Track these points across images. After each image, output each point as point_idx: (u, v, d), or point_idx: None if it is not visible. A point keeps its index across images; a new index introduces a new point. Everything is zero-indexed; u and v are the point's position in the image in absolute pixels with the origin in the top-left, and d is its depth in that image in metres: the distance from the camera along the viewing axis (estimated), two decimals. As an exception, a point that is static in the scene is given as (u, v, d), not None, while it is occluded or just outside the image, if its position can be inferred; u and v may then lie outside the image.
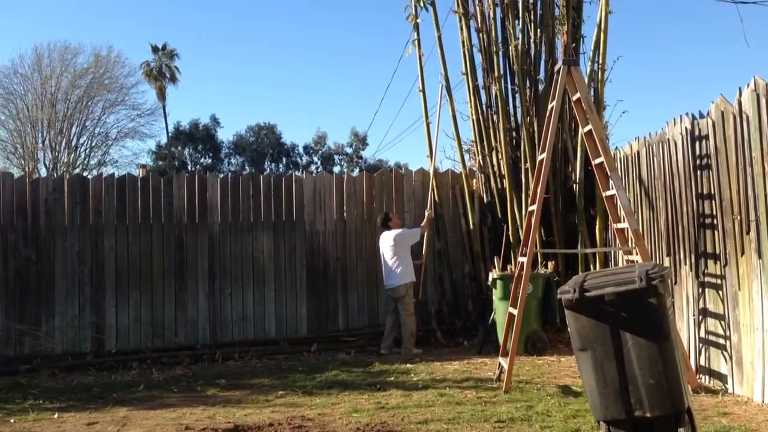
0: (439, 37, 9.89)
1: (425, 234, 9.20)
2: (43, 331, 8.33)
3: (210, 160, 47.56)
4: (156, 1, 68.42)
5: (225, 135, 51.94)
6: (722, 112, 5.91)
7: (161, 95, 46.47)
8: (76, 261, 8.57)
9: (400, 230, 8.91)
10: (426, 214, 9.27)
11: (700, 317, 6.39)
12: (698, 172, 6.33)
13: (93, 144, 41.02)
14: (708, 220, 6.19)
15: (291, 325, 9.25)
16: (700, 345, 6.41)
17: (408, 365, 7.84)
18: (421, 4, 9.84)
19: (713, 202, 6.08)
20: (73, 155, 39.34)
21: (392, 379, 7.16)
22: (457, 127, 9.99)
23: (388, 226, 9.01)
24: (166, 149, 45.66)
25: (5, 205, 8.39)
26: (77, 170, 36.40)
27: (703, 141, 6.23)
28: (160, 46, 47.84)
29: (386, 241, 8.93)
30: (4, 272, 8.29)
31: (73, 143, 39.84)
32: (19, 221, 8.42)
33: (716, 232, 6.06)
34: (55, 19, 62.79)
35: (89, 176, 9.14)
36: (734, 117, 5.72)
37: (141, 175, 9.77)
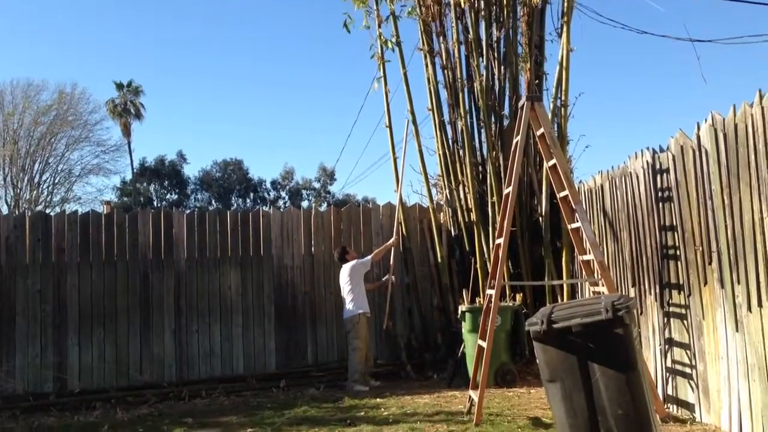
0: (405, 74, 10.04)
1: (392, 253, 9.22)
2: (4, 371, 8.11)
3: (176, 196, 47.24)
4: (121, 38, 68.28)
5: (191, 170, 51.62)
6: (681, 147, 6.07)
7: (126, 131, 46.12)
8: (37, 300, 8.40)
9: (353, 262, 8.93)
10: (390, 241, 9.30)
11: (667, 347, 6.48)
12: (660, 204, 6.47)
13: (56, 181, 40.56)
14: (671, 251, 6.32)
15: (259, 360, 9.14)
16: (667, 374, 6.48)
17: (378, 399, 7.79)
18: (388, 45, 9.99)
19: (675, 233, 6.21)
20: (35, 192, 38.77)
21: (362, 414, 7.09)
22: (424, 161, 10.10)
23: (345, 259, 9.03)
24: (131, 185, 45.24)
25: (-35, 242, 8.21)
26: (39, 207, 35.85)
27: (664, 174, 6.39)
28: (125, 83, 47.61)
29: (342, 275, 8.97)
30: (-37, 312, 8.08)
31: (36, 180, 39.33)
32: (-21, 259, 8.24)
33: (679, 263, 6.18)
34: (19, 56, 62.30)
35: (52, 213, 8.98)
36: (693, 151, 5.88)
37: (105, 212, 9.67)
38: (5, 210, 35.39)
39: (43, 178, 39.91)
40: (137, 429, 6.87)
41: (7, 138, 38.10)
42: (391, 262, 9.32)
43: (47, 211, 30.18)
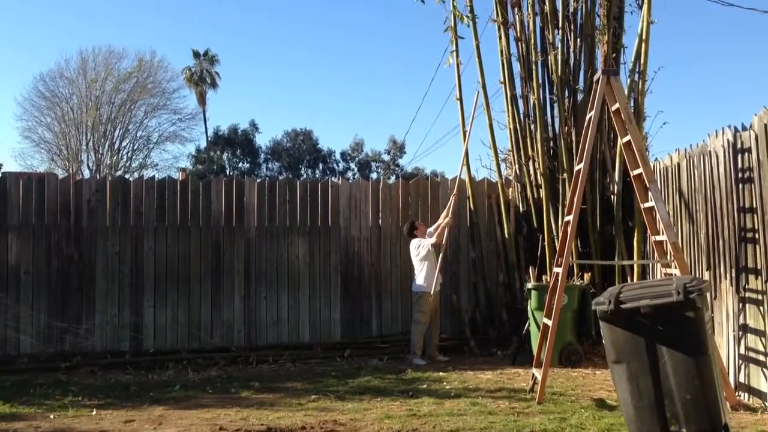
0: (477, 46, 9.89)
1: (444, 234, 8.92)
2: (84, 329, 8.50)
3: (248, 165, 48.16)
4: (199, 5, 69.53)
5: (263, 140, 52.46)
6: (765, 125, 5.81)
7: (202, 100, 47.26)
8: (116, 261, 8.74)
9: (421, 240, 8.92)
10: (443, 221, 9.02)
11: (741, 333, 6.28)
12: (740, 185, 6.23)
13: (135, 147, 41.97)
14: (750, 235, 6.08)
15: (325, 330, 9.31)
16: (740, 361, 6.29)
17: (441, 373, 7.83)
18: (463, 20, 9.84)
19: (755, 216, 5.97)
20: (115, 158, 40.21)
21: (425, 386, 7.15)
22: (494, 136, 9.97)
23: (414, 234, 9.04)
24: (206, 153, 46.33)
25: (50, 205, 8.59)
26: (119, 172, 37.15)
27: (746, 154, 6.13)
28: (201, 52, 48.64)
29: (412, 249, 9.01)
30: (47, 271, 8.49)
31: (116, 146, 40.76)
32: (62, 221, 8.61)
33: (758, 247, 5.94)
34: (100, 23, 64.21)
35: (131, 178, 9.29)
36: (778, 130, 5.62)
37: (180, 179, 9.94)
38: (87, 174, 36.82)
39: (123, 144, 41.39)
40: (207, 390, 7.12)
41: (89, 104, 39.53)
42: (450, 209, 9.13)
43: (126, 176, 31.28)
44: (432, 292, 8.72)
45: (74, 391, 6.98)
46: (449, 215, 9.08)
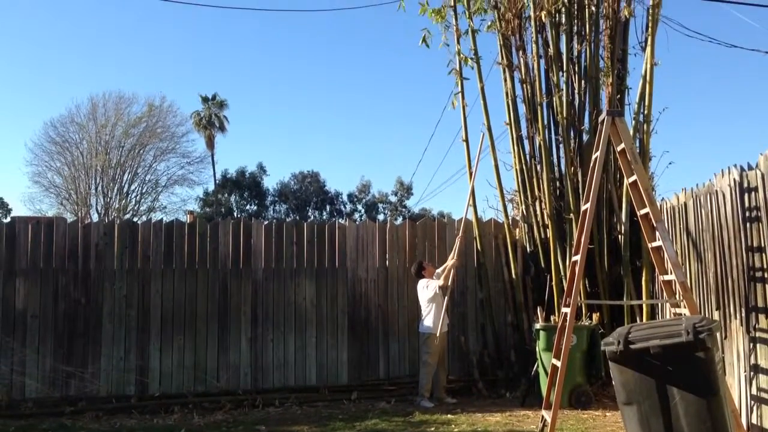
0: (482, 89, 9.98)
1: (451, 275, 8.96)
2: (89, 373, 8.46)
3: (255, 207, 48.35)
4: (208, 50, 70.68)
5: (270, 182, 52.71)
6: (771, 164, 5.82)
7: (210, 144, 47.73)
8: (123, 304, 8.74)
9: (429, 281, 8.89)
10: (450, 263, 9.07)
11: (752, 373, 6.19)
12: (748, 225, 6.21)
13: (144, 190, 42.27)
14: (759, 274, 6.04)
15: (332, 372, 9.23)
16: (752, 402, 6.19)
17: (449, 416, 7.74)
18: (467, 62, 9.95)
19: (764, 255, 5.95)
20: (124, 201, 40.49)
21: (432, 429, 7.07)
22: (500, 176, 9.99)
23: (422, 275, 9.01)
24: (213, 196, 46.61)
25: (58, 248, 8.64)
26: (128, 216, 37.36)
27: (752, 193, 6.13)
28: (210, 96, 49.29)
29: (419, 289, 8.99)
30: (53, 314, 8.49)
31: (125, 189, 41.08)
32: (70, 264, 8.65)
33: (767, 286, 5.90)
34: (111, 69, 65.29)
35: (139, 222, 9.34)
36: (784, 168, 5.63)
37: (188, 221, 9.98)
38: (96, 218, 37.02)
39: (132, 187, 41.69)
40: (212, 434, 7.05)
41: (99, 149, 39.96)
42: (456, 247, 9.20)
43: (134, 219, 31.42)
44: (438, 334, 8.66)
45: (79, 435, 6.92)
46: (455, 257, 9.07)
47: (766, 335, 5.94)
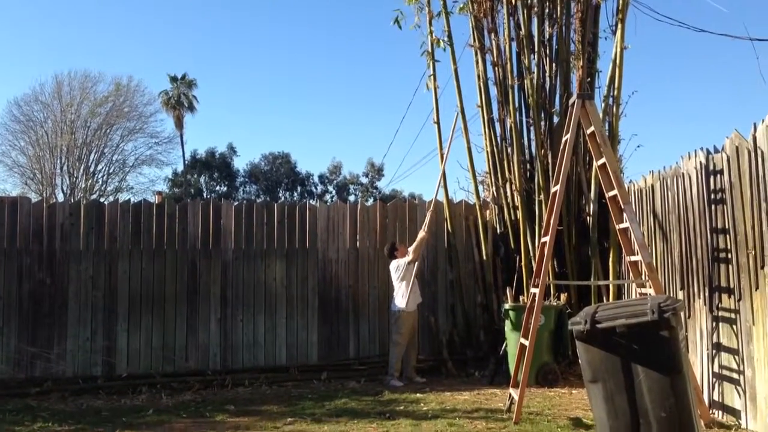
0: (455, 70, 9.98)
1: (421, 249, 9.03)
2: (55, 354, 8.36)
3: (225, 188, 47.91)
4: (176, 30, 69.60)
5: (240, 163, 52.23)
6: (737, 147, 5.92)
7: (179, 124, 47.04)
8: (89, 285, 8.62)
9: (400, 260, 8.93)
10: (420, 235, 9.10)
11: (714, 351, 6.33)
12: (713, 207, 6.32)
13: (110, 171, 41.63)
14: (722, 255, 6.16)
15: (302, 352, 9.23)
16: (714, 379, 6.33)
17: (418, 395, 7.79)
18: (440, 44, 9.94)
19: (728, 236, 6.06)
20: (90, 181, 39.84)
21: (402, 408, 7.11)
22: (472, 158, 10.04)
23: (395, 255, 9.04)
24: (182, 177, 46.08)
25: (22, 229, 8.48)
26: (94, 196, 36.79)
27: (718, 175, 6.23)
28: (179, 76, 48.53)
29: (392, 270, 9.03)
30: (18, 295, 8.36)
31: (91, 169, 40.41)
32: (35, 245, 8.50)
33: (730, 267, 6.03)
34: (76, 48, 63.98)
35: (105, 202, 9.20)
36: (749, 152, 5.73)
37: (156, 202, 9.87)
38: (61, 198, 36.42)
39: (98, 167, 41.05)
40: (180, 414, 7.01)
41: (64, 128, 39.23)
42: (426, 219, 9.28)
43: (101, 199, 30.95)
44: (407, 309, 8.72)
45: (44, 417, 6.85)
46: (425, 230, 9.11)
47: (728, 314, 6.07)
